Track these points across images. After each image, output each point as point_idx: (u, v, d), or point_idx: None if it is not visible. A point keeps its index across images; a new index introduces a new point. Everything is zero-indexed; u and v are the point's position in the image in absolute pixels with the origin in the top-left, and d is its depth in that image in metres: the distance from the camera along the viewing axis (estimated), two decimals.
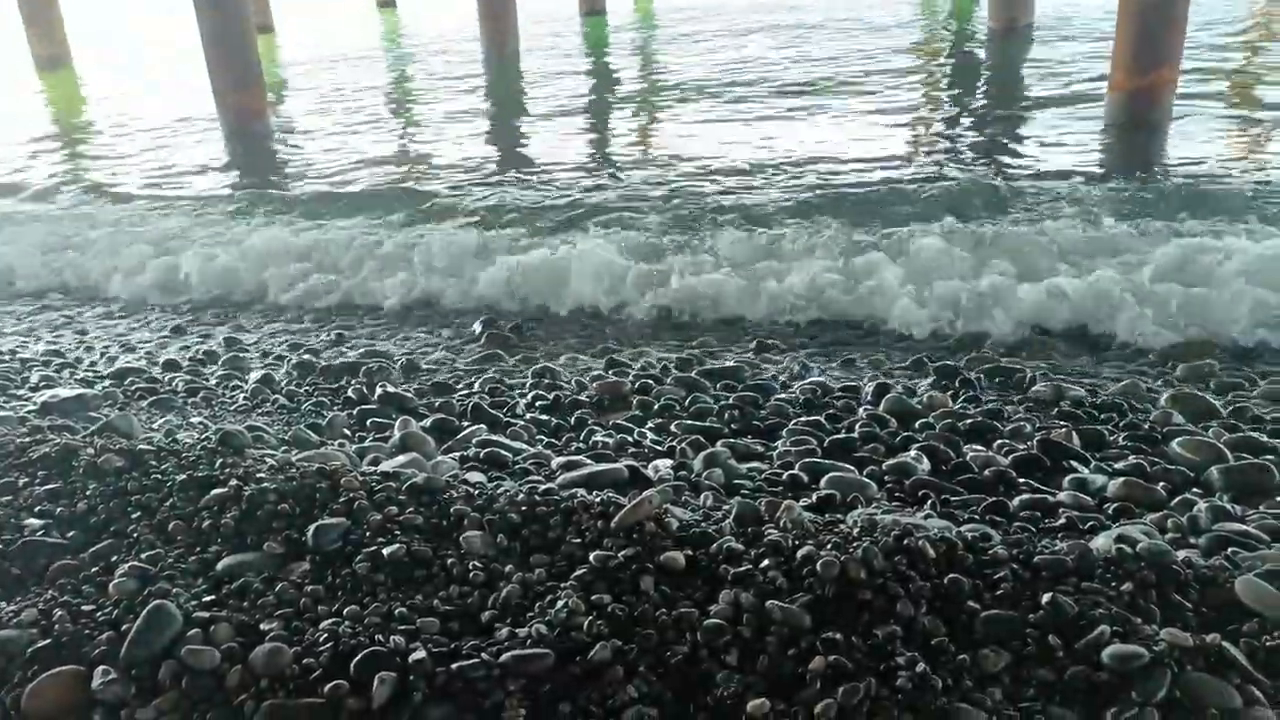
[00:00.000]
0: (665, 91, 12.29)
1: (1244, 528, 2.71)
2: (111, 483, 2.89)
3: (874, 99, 10.70)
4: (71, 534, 2.66)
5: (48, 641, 2.15)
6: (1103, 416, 3.82)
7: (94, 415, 4.06)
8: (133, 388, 4.62)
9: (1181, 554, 2.39)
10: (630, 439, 3.79)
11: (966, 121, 10.02)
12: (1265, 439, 3.47)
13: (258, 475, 2.83)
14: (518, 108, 12.61)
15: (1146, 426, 3.67)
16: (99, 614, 2.25)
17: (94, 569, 2.48)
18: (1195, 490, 3.12)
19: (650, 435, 3.84)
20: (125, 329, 6.40)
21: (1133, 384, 4.26)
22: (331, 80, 15.41)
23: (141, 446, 3.13)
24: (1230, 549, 2.50)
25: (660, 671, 2.03)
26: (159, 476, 2.89)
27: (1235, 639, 2.05)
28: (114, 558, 2.53)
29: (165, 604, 2.21)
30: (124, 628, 2.17)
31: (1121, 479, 3.13)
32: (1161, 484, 3.12)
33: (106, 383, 4.74)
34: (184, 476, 2.85)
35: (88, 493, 2.84)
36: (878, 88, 11.23)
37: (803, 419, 3.88)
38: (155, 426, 3.94)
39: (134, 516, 2.71)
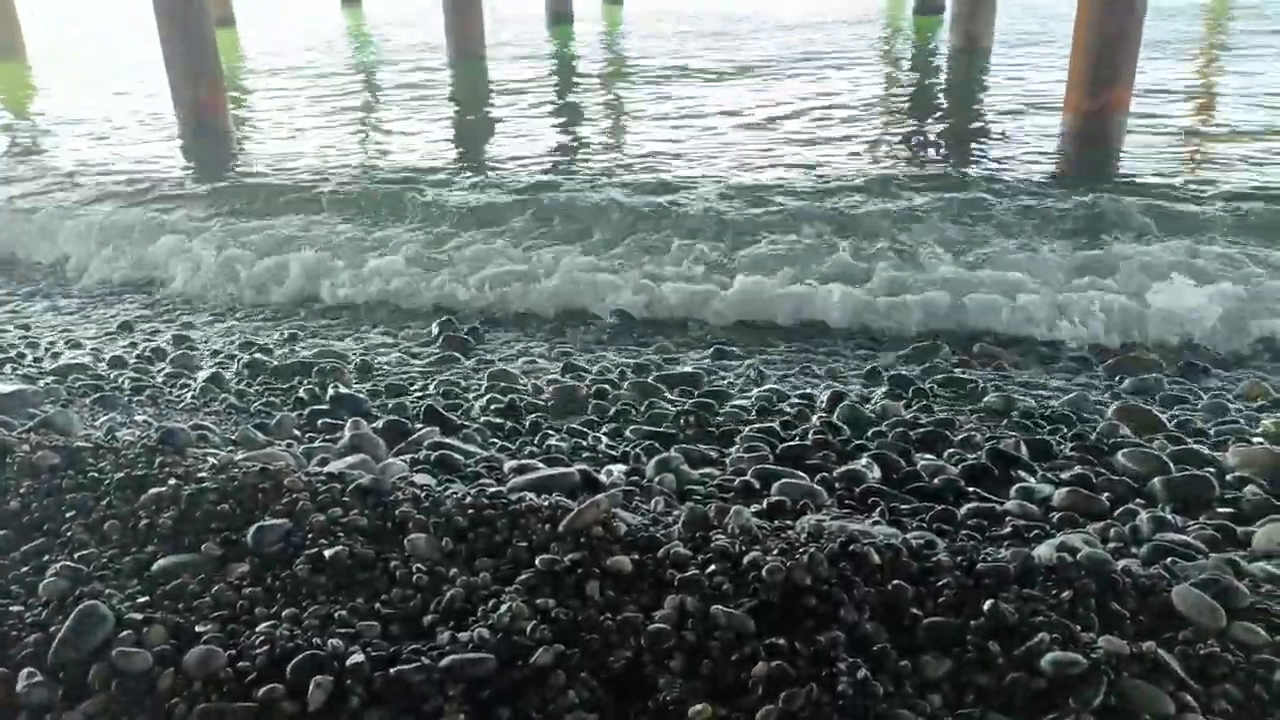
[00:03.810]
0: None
1: (1184, 538, 2.76)
2: (45, 480, 2.80)
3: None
4: (1, 533, 2.58)
5: None
6: (1050, 428, 3.88)
7: (34, 412, 3.95)
8: (77, 385, 4.51)
9: (1121, 563, 2.42)
10: (585, 443, 3.77)
11: (927, 133, 10.14)
12: (1207, 451, 3.54)
13: (198, 475, 2.77)
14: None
15: (1093, 438, 3.73)
16: (27, 614, 2.18)
17: (24, 569, 2.40)
18: (1139, 501, 3.17)
19: (605, 440, 3.83)
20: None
21: (1081, 396, 4.33)
22: (293, 76, 15.20)
23: (78, 444, 3.05)
24: (1170, 558, 2.54)
25: (603, 676, 2.01)
26: (95, 475, 2.81)
27: (1171, 646, 2.08)
28: (45, 557, 2.45)
29: (97, 605, 2.14)
30: (53, 629, 2.10)
31: (1067, 489, 3.17)
32: (1105, 494, 3.17)
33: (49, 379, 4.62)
34: (121, 475, 2.78)
35: (20, 490, 2.76)
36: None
37: (757, 425, 3.88)
38: (97, 424, 3.85)
39: (68, 515, 2.63)
